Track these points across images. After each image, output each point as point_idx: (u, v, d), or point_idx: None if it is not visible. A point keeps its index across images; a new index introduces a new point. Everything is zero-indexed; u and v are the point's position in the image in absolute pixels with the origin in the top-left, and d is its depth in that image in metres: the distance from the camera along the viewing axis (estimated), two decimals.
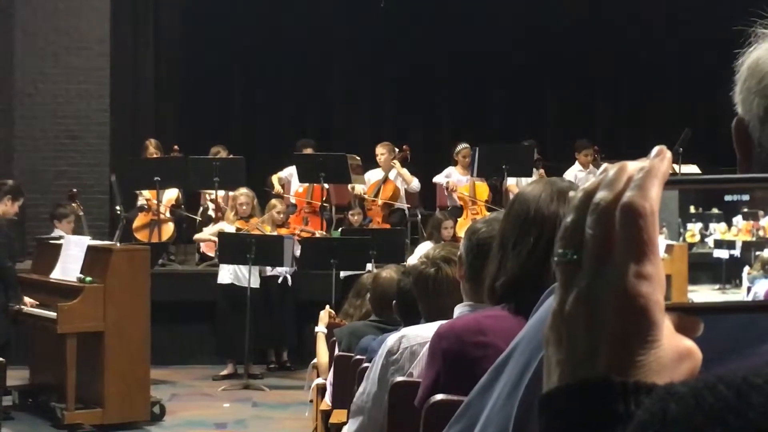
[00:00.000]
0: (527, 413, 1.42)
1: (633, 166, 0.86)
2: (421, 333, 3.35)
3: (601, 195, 0.85)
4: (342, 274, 10.82)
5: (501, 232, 2.48)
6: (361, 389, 3.61)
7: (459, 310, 3.04)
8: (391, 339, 3.41)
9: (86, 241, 9.39)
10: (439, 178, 12.98)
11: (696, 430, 0.74)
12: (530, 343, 1.48)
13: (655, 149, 0.87)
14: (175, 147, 13.26)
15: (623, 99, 16.35)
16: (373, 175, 12.77)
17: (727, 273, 0.87)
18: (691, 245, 0.88)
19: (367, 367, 3.95)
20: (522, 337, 1.51)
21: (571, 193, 0.88)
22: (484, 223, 3.06)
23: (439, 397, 2.33)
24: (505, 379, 1.50)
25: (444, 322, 2.90)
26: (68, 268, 9.14)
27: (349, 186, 12.51)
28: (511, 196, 12.18)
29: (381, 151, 12.69)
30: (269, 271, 11.09)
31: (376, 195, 12.53)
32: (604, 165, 0.88)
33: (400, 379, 3.23)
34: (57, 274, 9.27)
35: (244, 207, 11.42)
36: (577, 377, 0.83)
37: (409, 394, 3.13)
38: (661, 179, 0.84)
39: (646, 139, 14.43)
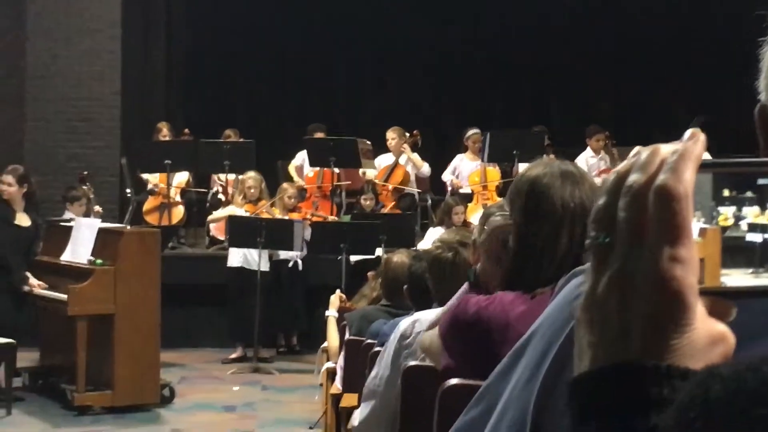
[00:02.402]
0: (546, 399, 1.41)
1: (666, 149, 0.85)
2: (434, 317, 3.34)
3: (633, 177, 0.84)
4: (352, 258, 10.83)
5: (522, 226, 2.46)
6: (373, 373, 3.60)
7: (465, 288, 3.03)
8: (404, 323, 3.41)
9: (97, 223, 9.40)
10: (446, 176, 12.95)
11: (739, 413, 0.73)
12: (550, 328, 1.47)
13: (689, 132, 0.86)
14: (186, 130, 13.26)
15: (634, 84, 16.28)
16: (384, 160, 12.75)
17: (760, 256, 0.87)
18: (724, 229, 0.87)
19: (378, 351, 3.95)
20: (542, 322, 1.50)
21: (603, 176, 0.87)
22: (498, 207, 3.05)
23: (454, 381, 2.33)
24: (525, 364, 1.49)
25: (464, 297, 2.89)
26: (79, 250, 9.15)
27: (360, 171, 12.50)
28: None
29: (391, 136, 12.67)
30: (280, 255, 11.09)
31: (387, 180, 12.51)
32: (637, 148, 0.87)
33: (412, 363, 3.22)
34: (67, 257, 9.28)
35: (252, 190, 11.42)
36: (610, 360, 0.83)
37: (422, 378, 3.13)
38: (695, 162, 0.84)
39: (656, 125, 14.41)
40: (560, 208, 2.30)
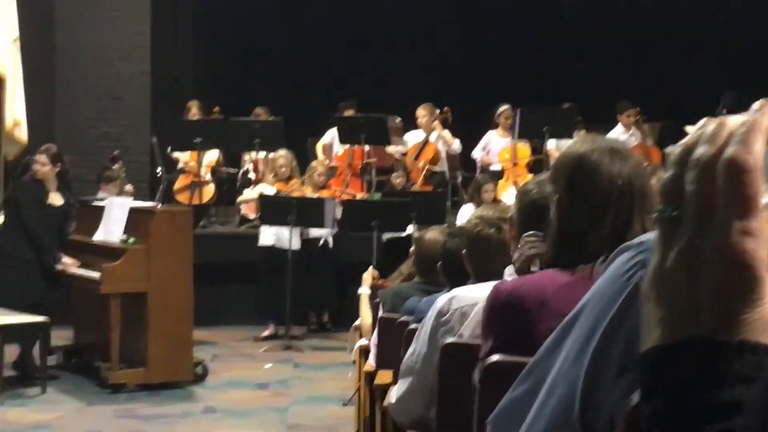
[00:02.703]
0: (596, 375, 1.40)
1: (734, 121, 0.84)
2: (472, 294, 3.33)
3: (701, 150, 0.83)
4: (383, 236, 10.82)
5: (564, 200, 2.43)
6: (410, 350, 3.60)
7: (509, 271, 3.02)
8: (441, 300, 3.40)
9: (129, 202, 9.43)
10: (476, 153, 12.92)
11: None
12: (598, 303, 1.46)
13: (757, 103, 0.85)
14: (216, 109, 13.27)
15: (664, 59, 16.16)
16: (414, 137, 12.72)
17: None
18: None
19: (414, 329, 3.94)
20: (590, 298, 1.49)
21: (669, 148, 0.86)
22: (535, 184, 3.02)
23: (495, 357, 2.31)
24: (573, 341, 1.48)
25: (498, 281, 2.88)
26: (111, 229, 9.19)
27: (389, 148, 12.47)
28: (553, 160, 12.16)
29: (422, 113, 12.63)
30: (310, 233, 11.09)
31: (417, 157, 12.48)
32: (703, 120, 0.86)
33: (450, 340, 3.22)
34: (100, 236, 9.32)
35: (283, 169, 11.42)
36: (679, 336, 0.82)
37: (460, 355, 3.13)
38: (764, 134, 0.82)
39: (689, 100, 14.30)
40: (608, 186, 2.28)
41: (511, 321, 2.37)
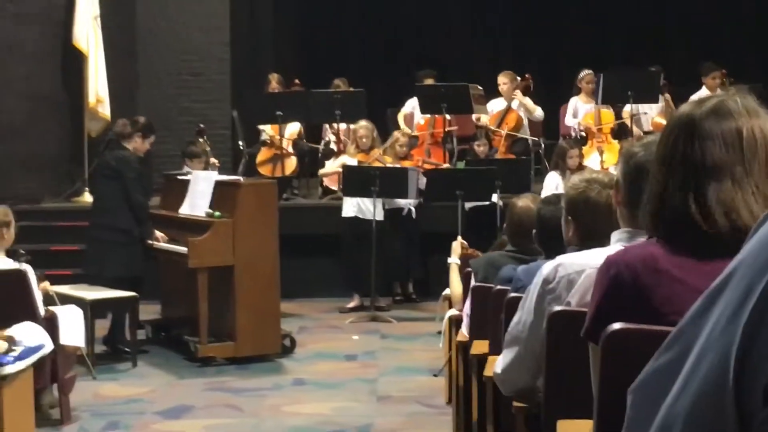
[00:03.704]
0: (752, 341, 1.32)
1: None
2: (578, 261, 3.25)
3: None
4: (467, 205, 10.74)
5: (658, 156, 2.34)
6: (515, 319, 3.52)
7: (617, 236, 2.93)
8: (547, 267, 3.32)
9: (214, 176, 9.46)
10: (569, 120, 12.77)
11: None
12: (752, 265, 1.38)
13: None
14: (296, 81, 13.26)
15: (751, 18, 15.83)
16: (496, 105, 12.60)
17: None
18: None
19: (516, 297, 3.86)
20: (741, 261, 1.41)
21: None
22: (641, 146, 2.93)
23: (617, 326, 2.23)
24: (724, 304, 1.41)
25: (607, 250, 2.79)
26: (197, 203, 9.22)
27: (474, 116, 12.37)
28: (636, 127, 11.98)
29: (503, 80, 12.50)
30: (393, 203, 11.05)
31: (499, 125, 12.36)
32: None
33: (557, 308, 3.14)
34: (186, 210, 9.36)
35: (364, 140, 11.38)
36: None
37: (567, 323, 3.05)
38: None
39: None
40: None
41: (626, 287, 2.29)
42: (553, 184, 10.36)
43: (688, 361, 1.45)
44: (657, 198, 2.30)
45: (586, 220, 3.60)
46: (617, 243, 2.88)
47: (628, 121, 12.23)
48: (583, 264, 3.22)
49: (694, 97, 12.35)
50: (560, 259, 3.34)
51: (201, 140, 10.89)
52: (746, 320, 1.35)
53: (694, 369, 1.43)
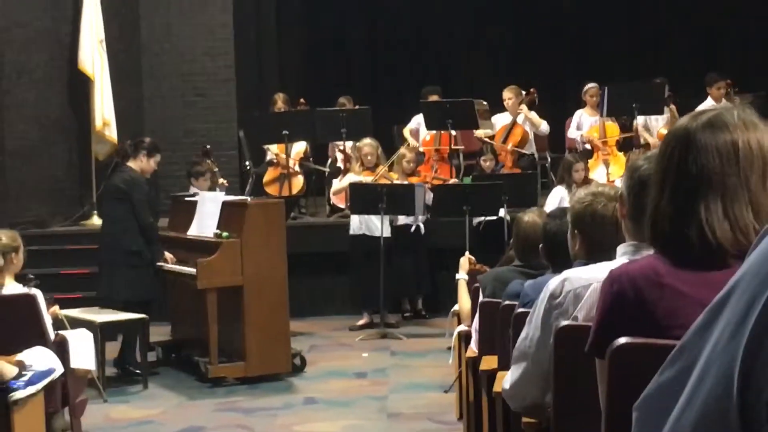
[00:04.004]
0: (756, 353, 1.33)
1: None
2: (584, 275, 3.25)
3: None
4: (475, 220, 10.76)
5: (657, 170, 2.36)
6: (523, 334, 3.53)
7: (623, 249, 2.94)
8: (554, 282, 3.32)
9: (221, 196, 9.48)
10: (572, 133, 12.77)
11: None
12: (754, 279, 1.39)
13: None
14: (302, 100, 13.29)
15: (754, 28, 15.84)
16: (501, 120, 12.61)
17: None
18: None
19: (523, 312, 3.87)
20: (743, 274, 1.42)
21: None
22: (645, 159, 2.94)
23: (622, 340, 2.24)
24: (727, 318, 1.41)
25: (613, 264, 2.80)
26: (205, 224, 9.24)
27: (477, 132, 12.39)
28: (642, 137, 11.99)
29: (508, 96, 12.51)
30: (400, 220, 11.06)
31: (505, 140, 12.37)
32: None
33: (564, 323, 3.14)
34: (194, 231, 9.38)
35: (369, 157, 11.38)
36: None
37: (575, 338, 3.04)
38: None
39: None
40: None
41: (629, 301, 2.30)
42: (557, 198, 10.35)
43: (692, 376, 1.46)
44: (655, 210, 2.31)
45: (592, 234, 3.61)
46: (623, 256, 2.89)
47: (636, 133, 12.24)
48: (589, 278, 3.23)
49: (699, 108, 12.38)
50: (567, 273, 3.35)
51: (208, 161, 10.92)
52: (749, 335, 1.35)
53: (698, 384, 1.43)
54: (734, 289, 1.46)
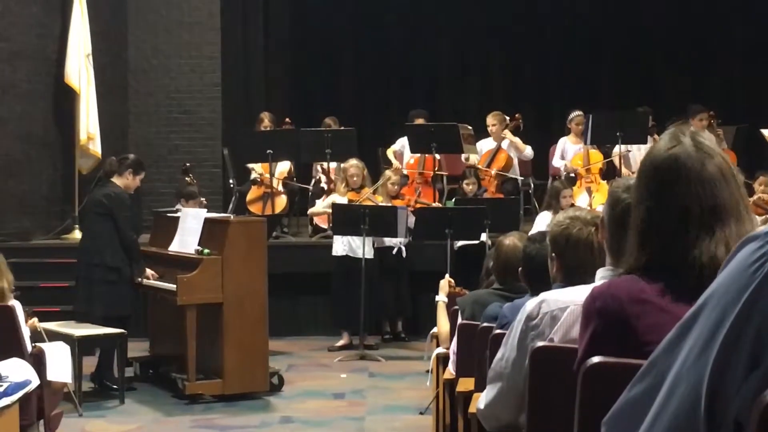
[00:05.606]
0: (724, 369, 1.34)
1: None
2: (562, 297, 3.26)
3: None
4: (457, 244, 10.77)
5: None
6: (499, 355, 3.53)
7: (602, 273, 2.95)
8: (530, 304, 3.33)
9: (203, 213, 9.47)
10: (557, 162, 12.79)
11: None
12: (724, 296, 1.40)
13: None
14: (287, 119, 13.30)
15: (738, 60, 15.93)
16: (485, 145, 12.64)
17: None
18: None
19: (500, 334, 3.88)
20: (713, 292, 1.43)
21: None
22: (625, 189, 2.96)
23: (596, 359, 2.25)
24: (696, 335, 1.43)
25: (592, 285, 2.82)
26: (186, 240, 9.22)
27: (463, 156, 12.41)
28: (625, 167, 12.03)
29: (491, 122, 12.55)
30: (384, 242, 11.06)
31: (489, 165, 12.41)
32: None
33: (540, 344, 3.15)
34: (175, 247, 9.36)
35: (355, 178, 11.39)
36: None
37: (550, 359, 3.06)
38: None
39: (763, 103, 14.10)
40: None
41: (611, 318, 2.32)
42: (543, 224, 10.36)
43: (661, 392, 1.46)
44: (640, 235, 2.35)
45: (569, 257, 3.63)
46: (601, 281, 2.90)
47: (616, 160, 12.27)
48: (566, 301, 3.24)
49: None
50: (544, 295, 3.36)
51: (187, 179, 10.91)
52: (718, 351, 1.36)
53: (666, 400, 1.44)
54: (704, 307, 1.47)
